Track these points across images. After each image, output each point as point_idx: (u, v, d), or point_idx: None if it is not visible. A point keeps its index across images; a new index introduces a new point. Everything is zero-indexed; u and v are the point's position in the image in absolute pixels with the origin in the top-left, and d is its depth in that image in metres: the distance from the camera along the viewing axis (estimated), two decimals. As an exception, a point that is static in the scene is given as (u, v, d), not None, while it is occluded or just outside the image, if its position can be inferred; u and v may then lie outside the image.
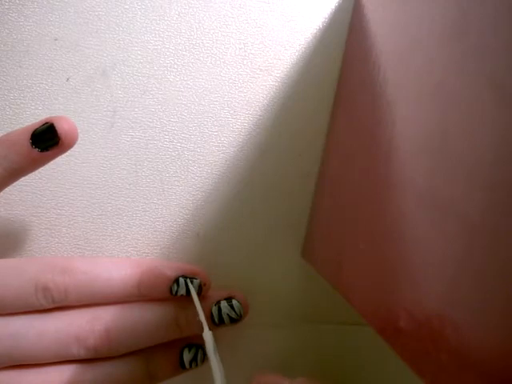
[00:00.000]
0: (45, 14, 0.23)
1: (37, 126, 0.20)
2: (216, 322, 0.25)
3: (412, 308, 0.15)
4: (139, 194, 0.25)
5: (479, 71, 0.13)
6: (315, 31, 0.25)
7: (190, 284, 0.24)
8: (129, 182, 0.25)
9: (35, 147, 0.20)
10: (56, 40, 0.23)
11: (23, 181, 0.24)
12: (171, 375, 0.25)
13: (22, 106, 0.24)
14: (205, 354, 0.26)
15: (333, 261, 0.22)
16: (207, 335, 0.23)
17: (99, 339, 0.23)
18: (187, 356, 0.25)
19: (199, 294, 0.24)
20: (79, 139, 0.24)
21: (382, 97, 0.18)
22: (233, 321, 0.25)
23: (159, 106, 0.25)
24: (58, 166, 0.24)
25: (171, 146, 0.25)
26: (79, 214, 0.25)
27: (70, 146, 0.21)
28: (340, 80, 0.25)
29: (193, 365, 0.25)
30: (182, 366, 0.25)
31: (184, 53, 0.25)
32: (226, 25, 0.25)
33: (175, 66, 0.25)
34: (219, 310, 0.25)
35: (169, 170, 0.25)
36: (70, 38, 0.24)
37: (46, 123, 0.20)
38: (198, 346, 0.26)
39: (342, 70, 0.25)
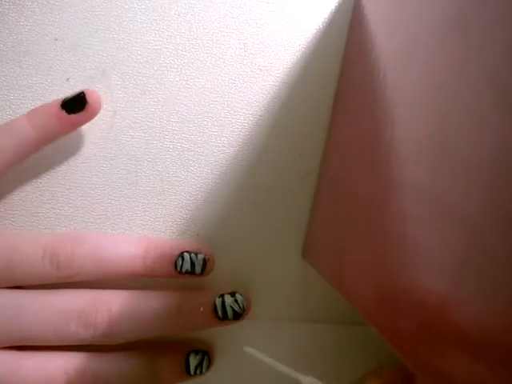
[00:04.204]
0: (45, 14, 0.23)
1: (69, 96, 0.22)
2: (220, 316, 0.25)
3: (413, 308, 0.15)
4: (139, 194, 0.25)
5: (479, 72, 0.13)
6: (315, 31, 0.25)
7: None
8: (129, 182, 0.25)
9: (63, 109, 0.22)
10: (56, 40, 0.23)
11: (23, 181, 0.24)
12: (176, 380, 0.25)
13: (21, 105, 0.24)
14: (210, 361, 0.26)
15: (333, 261, 0.22)
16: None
17: (100, 318, 0.23)
18: (193, 361, 0.25)
19: (203, 269, 0.24)
20: (79, 139, 0.24)
21: (382, 97, 0.18)
22: (236, 315, 0.25)
23: (159, 106, 0.25)
24: (58, 165, 0.24)
25: (171, 146, 0.25)
26: (79, 214, 0.25)
27: (93, 113, 0.23)
28: (340, 80, 0.25)
29: (198, 371, 0.25)
30: (187, 371, 0.25)
31: (184, 53, 0.25)
32: (225, 25, 0.25)
33: (175, 66, 0.25)
34: (223, 302, 0.25)
35: (169, 170, 0.25)
36: (70, 38, 0.24)
37: (77, 92, 0.22)
38: (204, 353, 0.26)
39: (342, 71, 0.25)
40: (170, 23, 0.24)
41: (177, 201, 0.26)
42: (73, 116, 0.22)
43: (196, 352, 0.25)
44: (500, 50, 0.12)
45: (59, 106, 0.22)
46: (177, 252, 0.24)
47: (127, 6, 0.24)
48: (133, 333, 0.24)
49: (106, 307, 0.23)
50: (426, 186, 0.15)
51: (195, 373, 0.25)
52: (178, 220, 0.26)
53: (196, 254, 0.24)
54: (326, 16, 0.25)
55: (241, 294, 0.25)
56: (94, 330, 0.23)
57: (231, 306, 0.25)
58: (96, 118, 0.24)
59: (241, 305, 0.25)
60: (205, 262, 0.24)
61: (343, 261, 0.21)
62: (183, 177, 0.26)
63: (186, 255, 0.24)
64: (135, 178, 0.25)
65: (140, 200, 0.25)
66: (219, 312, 0.25)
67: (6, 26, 0.23)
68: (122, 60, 0.24)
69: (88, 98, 0.22)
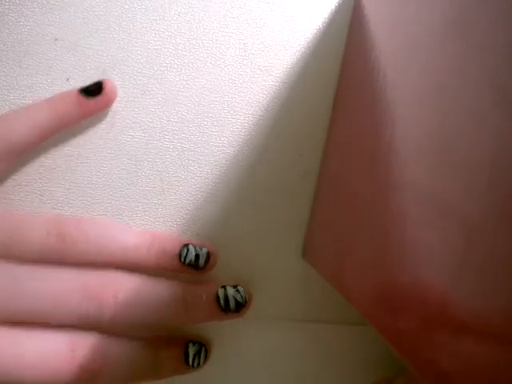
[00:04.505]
0: (45, 14, 0.23)
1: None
2: (222, 306, 0.25)
3: (412, 308, 0.15)
4: (139, 194, 0.25)
5: (479, 72, 0.13)
6: (315, 31, 0.25)
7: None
8: (129, 182, 0.25)
9: (81, 94, 0.23)
10: (56, 40, 0.23)
11: (23, 180, 0.24)
12: (176, 370, 0.25)
13: (22, 105, 0.24)
14: (207, 352, 0.26)
15: (333, 261, 0.22)
16: None
17: (106, 293, 0.22)
18: (192, 349, 0.25)
19: (207, 262, 0.25)
20: (79, 139, 0.24)
21: (382, 97, 0.18)
22: (238, 306, 0.25)
23: (159, 106, 0.25)
24: (58, 165, 0.24)
25: (171, 146, 0.25)
26: (79, 214, 0.25)
27: (110, 99, 0.24)
28: (340, 80, 0.25)
29: (196, 361, 0.25)
30: (186, 360, 0.25)
31: (184, 53, 0.25)
32: (225, 25, 0.25)
33: (175, 66, 0.25)
34: (225, 292, 0.25)
35: (169, 170, 0.25)
36: (70, 38, 0.24)
37: (94, 81, 0.24)
38: (202, 344, 0.26)
39: (342, 70, 0.25)
40: (170, 23, 0.24)
41: (177, 201, 0.26)
42: (91, 100, 0.23)
43: (194, 343, 0.26)
44: (500, 49, 0.12)
45: (78, 92, 0.23)
46: (182, 242, 0.25)
47: (127, 6, 0.24)
48: (138, 314, 0.23)
49: (112, 286, 0.23)
50: (425, 185, 0.15)
51: (193, 363, 0.25)
52: (178, 220, 0.26)
53: (201, 248, 0.25)
54: (326, 16, 0.25)
55: (242, 287, 0.25)
56: (99, 307, 0.22)
57: (234, 296, 0.25)
58: (96, 118, 0.24)
59: (243, 295, 0.25)
60: (209, 255, 0.25)
61: (343, 261, 0.21)
62: (183, 177, 0.26)
63: (191, 247, 0.25)
64: (135, 178, 0.25)
65: (140, 200, 0.25)
66: (222, 302, 0.25)
67: (6, 26, 0.23)
68: (122, 60, 0.24)
69: (104, 85, 0.23)
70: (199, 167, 0.26)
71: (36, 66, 0.23)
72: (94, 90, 0.23)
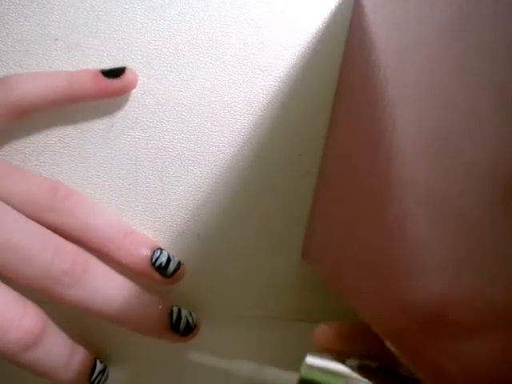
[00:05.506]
0: (45, 14, 0.23)
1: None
2: (173, 321, 0.25)
3: (413, 308, 0.15)
4: (139, 194, 0.25)
5: (479, 71, 0.13)
6: (315, 31, 0.25)
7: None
8: (129, 182, 0.25)
9: (100, 72, 0.23)
10: (56, 40, 0.23)
11: (23, 181, 0.24)
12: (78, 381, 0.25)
13: (21, 106, 0.24)
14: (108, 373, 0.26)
15: (333, 261, 0.22)
16: None
17: (78, 259, 0.22)
18: (99, 366, 0.25)
19: (175, 271, 0.25)
20: (79, 139, 0.24)
21: (382, 97, 0.18)
22: (187, 329, 0.25)
23: (159, 106, 0.25)
24: (58, 165, 0.24)
25: (171, 146, 0.25)
26: (79, 214, 0.25)
27: (127, 86, 0.24)
28: (340, 80, 0.25)
29: (98, 378, 0.25)
30: (91, 374, 0.25)
31: (184, 53, 0.25)
32: (225, 25, 0.25)
33: (175, 66, 0.25)
34: (179, 310, 0.25)
35: (169, 170, 0.25)
36: (70, 38, 0.24)
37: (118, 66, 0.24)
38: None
39: (341, 70, 0.25)
40: (170, 23, 0.24)
41: (177, 201, 0.26)
42: (107, 80, 0.23)
43: (100, 361, 0.25)
44: (500, 50, 0.12)
45: (98, 70, 0.23)
46: (156, 246, 0.25)
47: (127, 6, 0.24)
48: (92, 297, 0.23)
49: (86, 257, 0.23)
50: (425, 184, 0.15)
51: (95, 379, 0.25)
52: (178, 220, 0.26)
53: (173, 256, 0.25)
54: (326, 16, 0.25)
55: (195, 314, 0.26)
56: (67, 272, 0.22)
57: (186, 317, 0.25)
58: (96, 117, 0.24)
59: (195, 320, 0.25)
60: (179, 265, 0.25)
61: (343, 261, 0.21)
62: (183, 177, 0.26)
63: (165, 252, 0.25)
64: (135, 178, 0.25)
65: (140, 200, 0.25)
66: (174, 317, 0.25)
67: (5, 26, 0.23)
68: (122, 60, 0.24)
69: (126, 71, 0.24)
70: (199, 167, 0.26)
71: (36, 66, 0.23)
72: (113, 72, 0.23)
